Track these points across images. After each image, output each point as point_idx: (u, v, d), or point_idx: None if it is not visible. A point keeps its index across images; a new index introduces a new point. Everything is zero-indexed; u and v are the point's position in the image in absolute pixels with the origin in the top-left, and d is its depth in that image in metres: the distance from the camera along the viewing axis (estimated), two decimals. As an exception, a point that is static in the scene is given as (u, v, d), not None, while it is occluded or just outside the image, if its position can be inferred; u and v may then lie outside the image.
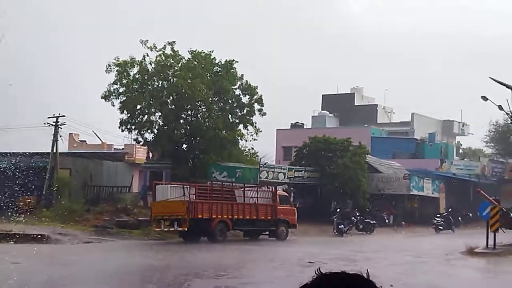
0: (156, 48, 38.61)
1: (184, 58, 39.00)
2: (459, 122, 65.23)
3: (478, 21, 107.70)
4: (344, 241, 31.46)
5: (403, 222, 41.72)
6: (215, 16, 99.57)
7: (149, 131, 39.08)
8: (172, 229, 27.77)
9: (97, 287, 13.76)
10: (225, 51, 54.71)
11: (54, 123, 37.68)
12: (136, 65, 38.60)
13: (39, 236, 25.63)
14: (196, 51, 39.24)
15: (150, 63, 38.67)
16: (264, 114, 39.55)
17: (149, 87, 38.79)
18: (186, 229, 27.26)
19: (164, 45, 38.68)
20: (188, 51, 39.22)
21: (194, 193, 28.46)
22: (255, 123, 39.64)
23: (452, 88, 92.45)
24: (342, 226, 34.71)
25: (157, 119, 39.08)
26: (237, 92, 39.57)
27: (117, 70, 38.32)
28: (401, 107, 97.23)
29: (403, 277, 15.89)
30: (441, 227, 37.94)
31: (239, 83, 39.54)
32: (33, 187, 34.23)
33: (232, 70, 39.27)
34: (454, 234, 35.99)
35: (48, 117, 37.68)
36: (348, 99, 64.34)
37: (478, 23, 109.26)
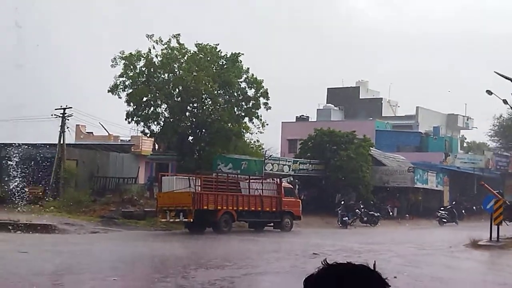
0: (161, 41, 38.60)
1: (189, 51, 38.98)
2: (463, 116, 65.03)
3: (483, 16, 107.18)
4: (348, 233, 31.46)
5: (407, 215, 41.69)
6: (221, 10, 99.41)
7: (155, 123, 39.14)
8: (178, 220, 27.85)
9: (104, 276, 13.79)
10: (231, 45, 54.65)
11: (61, 115, 37.75)
12: (142, 58, 38.61)
13: (46, 226, 25.72)
14: (202, 44, 39.19)
15: (156, 56, 38.68)
16: (270, 107, 39.52)
17: (155, 80, 38.81)
18: (191, 220, 27.32)
19: (170, 38, 38.67)
20: (194, 44, 39.20)
21: (199, 184, 28.50)
22: (261, 116, 39.63)
23: (457, 82, 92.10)
24: (346, 218, 34.72)
25: (163, 111, 39.12)
26: (243, 85, 39.53)
27: (123, 64, 38.36)
28: (406, 101, 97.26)
29: (407, 269, 15.88)
30: (445, 220, 37.90)
31: (244, 76, 39.49)
32: (40, 177, 34.37)
33: (237, 63, 39.21)
34: (458, 226, 35.95)
35: (55, 109, 37.78)
36: (353, 92, 64.19)
37: (483, 19, 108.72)
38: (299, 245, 23.16)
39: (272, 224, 30.78)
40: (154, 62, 38.62)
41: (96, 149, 42.83)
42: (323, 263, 1.93)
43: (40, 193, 34.98)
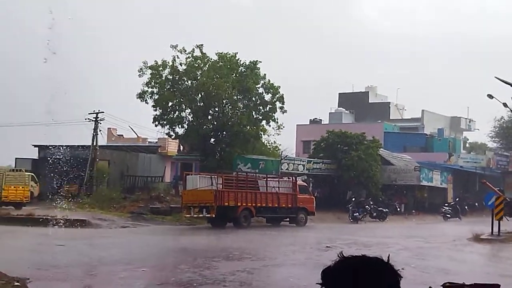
0: (185, 51, 38.75)
1: (211, 60, 39.07)
2: (466, 118, 64.47)
3: (486, 23, 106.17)
4: (358, 227, 31.29)
5: (413, 211, 41.38)
6: (240, 20, 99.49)
7: (179, 126, 39.26)
8: (201, 215, 27.91)
9: (134, 267, 13.86)
10: (249, 52, 54.58)
11: (94, 119, 38.03)
12: (167, 67, 38.78)
13: (81, 221, 25.91)
14: (222, 53, 39.27)
15: (181, 64, 38.82)
16: (285, 111, 39.47)
17: (180, 86, 38.94)
18: (213, 216, 27.36)
19: (193, 48, 38.81)
20: (215, 53, 39.28)
21: (221, 182, 28.53)
22: (277, 119, 39.59)
23: (460, 86, 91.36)
24: (357, 213, 34.57)
25: (187, 115, 39.24)
26: (260, 90, 39.52)
27: (150, 73, 38.59)
28: (412, 105, 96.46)
29: (414, 261, 15.76)
30: (449, 215, 37.57)
31: (262, 82, 39.48)
32: (75, 176, 34.65)
33: (255, 71, 39.23)
34: (461, 222, 35.60)
35: (89, 113, 38.08)
36: (363, 97, 63.90)
37: (486, 25, 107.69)
38: (313, 238, 23.09)
39: (288, 219, 30.72)
40: (179, 70, 38.77)
41: (126, 150, 43.07)
42: (339, 255, 1.93)
43: (75, 191, 35.26)
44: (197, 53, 38.98)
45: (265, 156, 39.40)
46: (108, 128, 46.56)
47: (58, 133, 41.49)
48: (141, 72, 38.50)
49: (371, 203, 36.69)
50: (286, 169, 38.17)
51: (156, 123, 38.98)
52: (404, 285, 1.92)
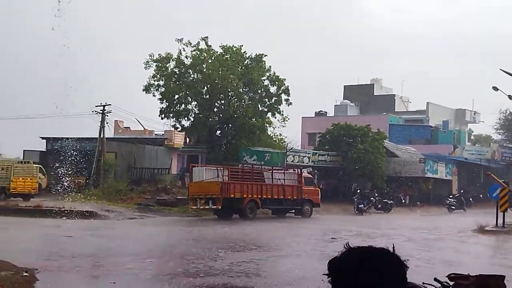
0: (191, 44, 38.72)
1: (216, 52, 39.02)
2: (471, 110, 64.21)
3: (492, 15, 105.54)
4: (363, 219, 31.28)
5: (418, 202, 41.32)
6: (246, 12, 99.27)
7: (186, 118, 39.33)
8: (207, 207, 27.96)
9: (141, 257, 13.91)
10: (255, 46, 54.60)
11: (101, 111, 38.08)
12: (172, 60, 38.77)
13: (88, 212, 26.01)
14: (227, 46, 39.22)
15: (186, 58, 38.81)
16: (291, 103, 39.44)
17: (186, 79, 38.96)
18: (219, 207, 27.41)
19: (198, 41, 38.78)
20: (220, 46, 39.25)
21: (227, 174, 28.55)
22: (282, 111, 39.57)
23: (465, 79, 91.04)
24: (362, 205, 34.55)
25: (193, 107, 39.30)
26: (266, 83, 39.51)
27: (156, 65, 38.58)
28: (417, 97, 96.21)
29: (418, 252, 15.75)
30: (453, 207, 37.50)
31: (267, 74, 39.44)
32: (82, 168, 34.75)
33: (261, 63, 39.18)
34: (465, 213, 35.52)
35: (96, 106, 38.14)
36: (368, 89, 63.71)
37: (492, 18, 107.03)
38: (318, 230, 23.11)
39: (293, 211, 30.74)
40: (185, 63, 38.77)
41: (133, 142, 43.14)
42: (345, 246, 1.92)
43: (83, 183, 35.37)
44: (202, 45, 38.96)
45: (270, 148, 39.40)
46: (115, 121, 46.64)
47: (66, 125, 41.71)
48: (147, 65, 38.55)
49: (376, 195, 36.67)
50: (291, 161, 38.17)
51: (163, 115, 39.09)
52: (409, 276, 1.91)
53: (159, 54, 38.72)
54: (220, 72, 37.36)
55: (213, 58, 38.75)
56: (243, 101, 38.82)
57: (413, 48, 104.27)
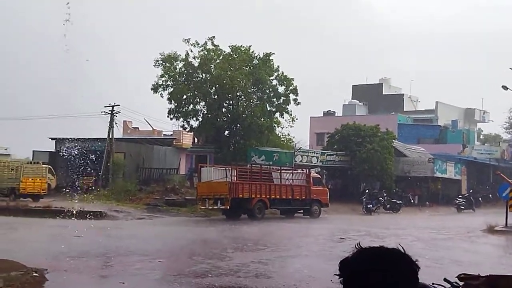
0: (198, 44, 38.77)
1: (224, 52, 39.05)
2: (480, 110, 63.93)
3: (502, 14, 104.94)
4: (372, 219, 31.19)
5: (427, 202, 41.16)
6: (253, 12, 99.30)
7: (194, 118, 39.40)
8: (216, 207, 27.97)
9: (150, 258, 13.94)
10: (263, 46, 54.50)
11: (110, 112, 38.18)
12: (180, 60, 38.83)
13: (97, 212, 26.08)
14: (235, 46, 39.24)
15: (194, 58, 38.87)
16: (299, 103, 39.41)
17: (194, 80, 39.02)
18: (228, 207, 27.42)
19: (205, 41, 38.81)
20: (228, 46, 39.29)
21: (235, 174, 28.55)
22: (291, 111, 39.53)
23: (474, 78, 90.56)
24: (371, 205, 34.46)
25: (201, 108, 39.35)
26: (274, 82, 39.49)
27: (164, 65, 38.65)
28: (426, 96, 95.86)
29: (427, 252, 15.68)
30: (462, 207, 37.32)
31: (275, 74, 39.42)
32: (91, 169, 34.88)
33: (269, 63, 39.16)
34: (475, 213, 35.36)
35: (105, 106, 38.25)
36: (377, 89, 63.55)
37: (501, 16, 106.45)
38: (327, 230, 23.07)
39: (302, 211, 30.70)
40: (192, 63, 38.83)
41: (142, 143, 43.23)
42: (356, 246, 1.92)
43: (92, 183, 35.50)
44: (209, 45, 39.00)
45: (279, 148, 39.39)
46: (124, 121, 46.75)
47: (75, 126, 41.87)
48: (157, 63, 38.59)
49: (385, 195, 36.57)
50: (300, 161, 38.13)
51: (171, 116, 39.17)
52: (419, 276, 1.91)
53: (163, 53, 38.82)
54: (228, 72, 37.40)
55: (221, 58, 38.80)
56: (251, 101, 38.83)
57: (422, 47, 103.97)
